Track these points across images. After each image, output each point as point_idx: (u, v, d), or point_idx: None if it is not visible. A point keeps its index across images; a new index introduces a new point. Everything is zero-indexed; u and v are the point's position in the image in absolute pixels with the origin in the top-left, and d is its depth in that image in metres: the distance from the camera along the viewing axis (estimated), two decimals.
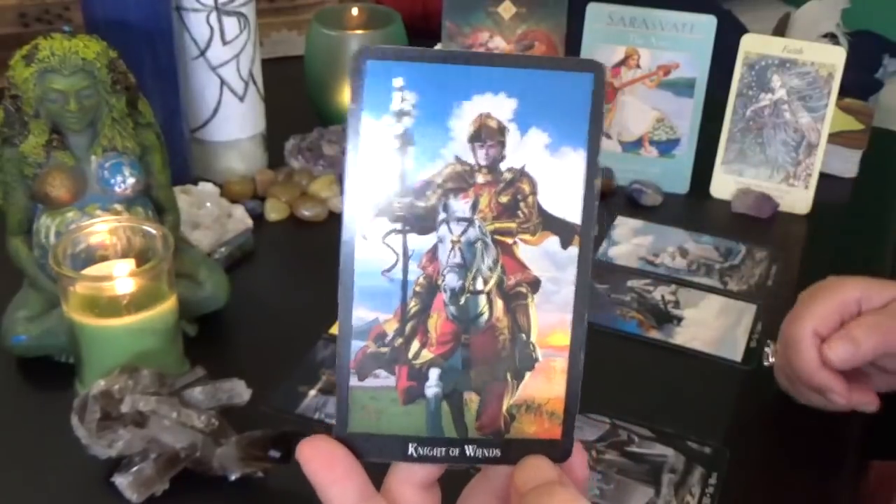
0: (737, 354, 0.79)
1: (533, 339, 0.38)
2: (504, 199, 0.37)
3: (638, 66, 1.00)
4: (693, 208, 1.01)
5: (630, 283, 0.88)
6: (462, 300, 0.37)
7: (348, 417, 0.37)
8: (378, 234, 0.37)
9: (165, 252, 0.69)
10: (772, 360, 0.72)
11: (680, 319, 0.83)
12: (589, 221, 0.37)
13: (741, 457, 0.69)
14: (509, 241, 0.37)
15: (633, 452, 0.69)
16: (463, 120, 0.36)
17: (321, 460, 0.37)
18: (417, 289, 0.37)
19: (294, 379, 0.74)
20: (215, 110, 0.98)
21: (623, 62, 1.00)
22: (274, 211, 0.96)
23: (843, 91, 0.97)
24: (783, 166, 0.99)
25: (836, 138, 1.03)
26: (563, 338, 0.38)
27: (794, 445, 0.72)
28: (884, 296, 0.68)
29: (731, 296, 0.87)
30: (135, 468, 0.63)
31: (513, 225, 0.37)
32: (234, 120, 0.98)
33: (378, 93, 0.36)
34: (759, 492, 0.68)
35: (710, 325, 0.83)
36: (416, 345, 0.38)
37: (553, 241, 0.37)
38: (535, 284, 0.37)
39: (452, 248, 0.37)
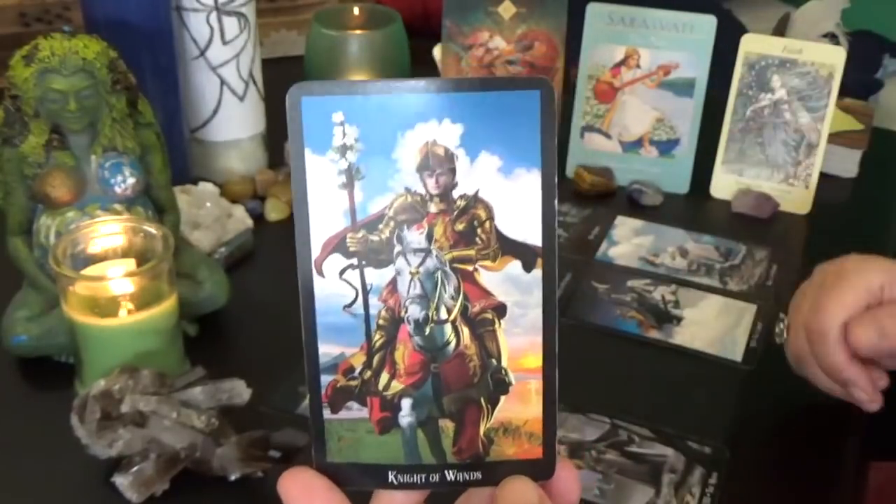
0: (737, 354, 0.79)
1: (504, 363, 0.37)
2: (460, 226, 0.36)
3: (638, 66, 1.00)
4: (693, 208, 1.01)
5: (630, 283, 0.88)
6: (427, 330, 0.37)
7: (326, 448, 0.38)
8: (334, 270, 0.37)
9: (165, 252, 0.69)
10: (786, 336, 0.71)
11: (680, 319, 0.83)
12: (550, 242, 0.36)
13: (741, 457, 0.69)
14: (469, 268, 0.37)
15: (633, 452, 0.69)
16: (408, 149, 0.35)
17: (298, 491, 0.37)
18: (381, 322, 0.37)
19: (294, 379, 0.74)
20: (215, 110, 0.97)
21: (623, 62, 1.00)
22: (274, 211, 0.96)
23: (843, 91, 0.97)
24: (783, 166, 0.99)
25: (836, 138, 1.03)
26: (536, 360, 0.37)
27: (795, 445, 0.72)
28: None
29: (731, 296, 0.86)
30: (135, 468, 0.63)
31: (471, 252, 0.37)
32: (234, 120, 0.98)
33: (318, 129, 0.35)
34: (760, 492, 0.68)
35: (710, 325, 0.83)
36: (385, 376, 0.38)
37: (515, 266, 0.37)
38: (500, 310, 0.37)
39: (412, 280, 0.37)
